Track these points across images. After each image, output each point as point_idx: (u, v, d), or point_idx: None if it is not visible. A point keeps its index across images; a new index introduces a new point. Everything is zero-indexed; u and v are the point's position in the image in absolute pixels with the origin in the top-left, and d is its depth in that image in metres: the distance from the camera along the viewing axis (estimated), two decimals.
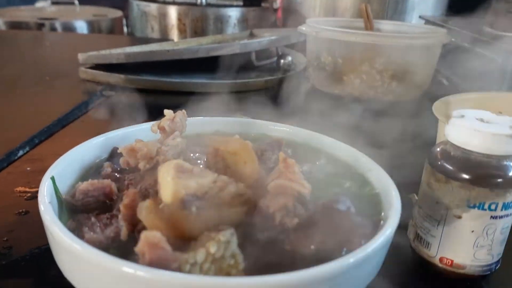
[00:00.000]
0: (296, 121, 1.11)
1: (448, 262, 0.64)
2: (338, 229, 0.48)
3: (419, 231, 0.67)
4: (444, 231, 0.63)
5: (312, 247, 0.47)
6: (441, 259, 0.64)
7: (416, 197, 0.71)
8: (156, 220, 0.47)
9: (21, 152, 0.98)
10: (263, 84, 1.45)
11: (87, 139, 0.68)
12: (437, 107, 0.99)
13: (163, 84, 1.39)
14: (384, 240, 0.47)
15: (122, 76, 1.41)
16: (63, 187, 0.58)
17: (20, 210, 0.73)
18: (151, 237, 0.42)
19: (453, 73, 1.53)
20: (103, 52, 1.48)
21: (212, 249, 0.45)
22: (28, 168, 0.91)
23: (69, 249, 0.44)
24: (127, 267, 0.40)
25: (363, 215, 0.51)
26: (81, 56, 1.49)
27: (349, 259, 0.43)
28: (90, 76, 1.47)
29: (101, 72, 1.44)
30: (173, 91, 1.37)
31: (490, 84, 1.29)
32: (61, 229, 0.45)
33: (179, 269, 0.44)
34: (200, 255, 0.44)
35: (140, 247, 0.43)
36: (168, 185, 0.49)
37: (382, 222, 0.53)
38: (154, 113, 0.68)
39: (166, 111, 0.64)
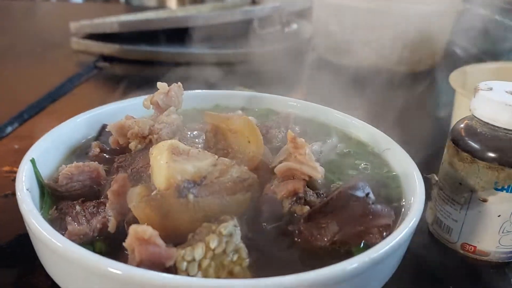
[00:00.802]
0: (301, 94, 1.04)
1: (471, 249, 0.59)
2: (355, 219, 0.42)
3: (439, 214, 0.61)
4: (467, 215, 0.57)
5: (326, 239, 0.42)
6: (462, 245, 0.59)
7: (436, 178, 0.65)
8: (147, 210, 0.41)
9: (9, 129, 0.92)
10: (266, 53, 1.37)
11: (79, 114, 0.62)
12: (453, 78, 0.92)
13: (160, 55, 1.31)
14: (408, 232, 0.41)
15: (116, 46, 1.33)
16: (45, 171, 0.52)
17: (6, 192, 0.67)
18: (141, 232, 0.36)
19: (468, 42, 1.45)
20: (96, 21, 1.40)
21: (212, 243, 0.39)
22: (16, 146, 0.85)
23: (48, 245, 0.38)
24: (112, 268, 0.35)
25: (383, 203, 0.44)
26: (73, 26, 1.41)
27: (370, 256, 0.37)
28: (82, 47, 1.39)
29: (95, 43, 1.37)
30: (171, 62, 1.30)
31: (508, 54, 1.22)
32: (39, 221, 0.40)
33: (174, 268, 0.38)
34: (198, 250, 0.38)
35: (128, 243, 0.37)
36: (162, 169, 0.43)
37: (403, 209, 0.47)
38: (152, 86, 0.62)
39: (159, 84, 0.57)
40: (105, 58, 1.34)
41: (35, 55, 1.40)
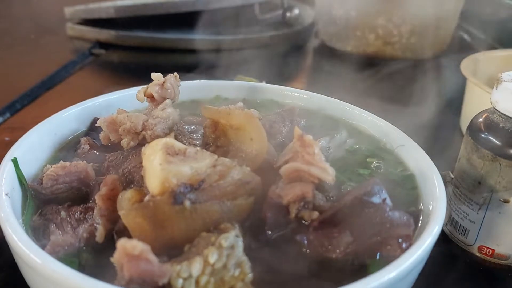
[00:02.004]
0: (303, 83, 0.99)
1: (489, 252, 0.55)
2: (371, 228, 0.37)
3: (454, 214, 0.57)
4: (486, 217, 0.53)
5: (338, 251, 0.37)
6: (480, 248, 0.55)
7: (452, 175, 0.60)
8: (139, 219, 0.36)
9: (0, 119, 0.88)
10: (267, 40, 1.32)
11: (74, 104, 0.58)
12: (464, 65, 0.87)
13: (157, 41, 1.27)
14: (430, 243, 0.37)
15: (112, 32, 1.28)
16: (30, 170, 0.48)
17: None
18: (130, 248, 0.32)
19: (477, 27, 1.40)
20: (91, 5, 1.35)
21: (212, 258, 0.35)
22: (7, 138, 0.81)
23: (26, 261, 0.34)
24: None
25: (401, 209, 0.40)
26: (67, 11, 1.36)
27: (390, 274, 0.33)
28: (78, 33, 1.34)
29: (90, 29, 1.32)
30: (168, 49, 1.26)
31: None
32: (17, 233, 0.35)
33: (169, 285, 0.34)
34: (196, 266, 0.34)
35: (117, 258, 0.33)
36: (155, 172, 0.39)
37: (421, 215, 0.43)
38: (150, 74, 0.57)
39: (154, 75, 0.52)
40: (101, 44, 1.29)
41: (28, 42, 1.35)
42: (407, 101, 0.94)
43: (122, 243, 0.32)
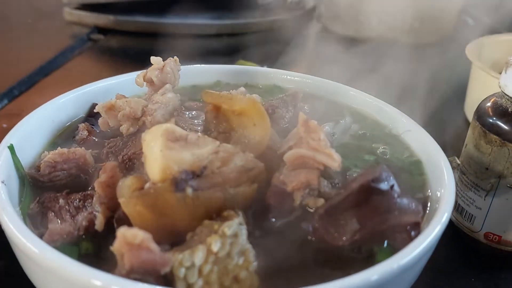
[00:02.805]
0: (305, 68, 0.98)
1: (495, 239, 0.54)
2: (379, 215, 0.36)
3: (460, 201, 0.56)
4: (493, 203, 0.52)
5: (345, 238, 0.36)
6: (486, 235, 0.54)
7: (458, 161, 0.59)
8: (139, 207, 0.35)
9: None
10: (268, 25, 1.30)
11: (72, 90, 0.56)
12: (470, 49, 0.86)
13: (157, 26, 1.24)
14: (439, 231, 0.35)
15: (111, 17, 1.26)
16: (27, 158, 0.47)
17: None
18: (131, 237, 0.31)
19: (481, 11, 1.37)
20: None
21: (215, 246, 0.34)
22: (5, 125, 0.80)
23: (23, 250, 0.33)
24: (95, 279, 0.29)
25: (409, 195, 0.39)
26: None
27: (399, 262, 0.32)
28: (76, 18, 1.32)
29: (88, 13, 1.29)
30: (168, 34, 1.23)
31: None
32: (14, 221, 0.34)
33: (171, 274, 0.33)
34: (198, 254, 0.33)
35: (117, 247, 0.32)
36: (156, 159, 0.37)
37: (429, 202, 0.42)
38: (150, 60, 0.56)
39: (153, 59, 0.51)
40: (100, 29, 1.27)
41: (25, 27, 1.33)
42: (410, 86, 0.92)
43: (122, 232, 0.31)
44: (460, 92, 0.88)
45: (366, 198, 0.37)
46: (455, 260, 0.55)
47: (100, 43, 1.24)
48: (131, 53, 1.18)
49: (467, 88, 0.86)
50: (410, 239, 0.35)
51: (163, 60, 0.52)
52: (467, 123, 0.82)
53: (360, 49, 1.12)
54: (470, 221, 0.55)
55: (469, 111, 0.85)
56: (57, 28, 1.33)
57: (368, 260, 0.36)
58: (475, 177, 0.53)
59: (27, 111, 0.51)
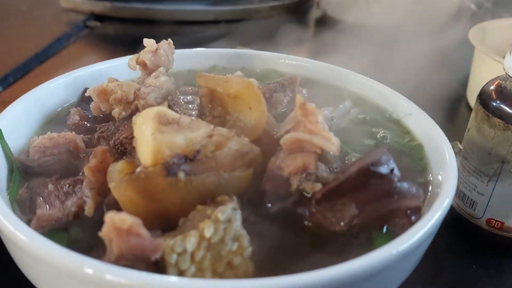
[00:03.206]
0: (304, 54, 0.96)
1: (497, 225, 0.53)
2: (378, 200, 0.35)
3: (462, 187, 0.54)
4: (496, 189, 0.51)
5: (343, 223, 0.35)
6: (488, 221, 0.53)
7: (460, 146, 0.58)
8: (129, 191, 0.34)
9: None
10: (267, 10, 1.28)
11: (57, 77, 0.55)
12: (473, 34, 0.84)
13: (154, 13, 1.22)
14: (441, 216, 0.34)
15: (107, 4, 1.24)
16: (17, 143, 0.45)
17: None
18: (119, 222, 0.29)
19: None
20: None
21: (208, 231, 0.32)
22: None
23: (9, 237, 0.31)
24: (86, 267, 0.28)
25: (410, 180, 0.38)
26: None
27: (398, 248, 0.30)
28: (71, 4, 1.30)
29: (84, 0, 1.27)
30: (166, 21, 1.22)
31: None
32: (1, 208, 0.33)
33: (162, 261, 0.32)
34: (191, 240, 0.32)
35: (105, 233, 0.31)
36: (147, 142, 0.36)
37: (430, 186, 0.41)
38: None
39: (146, 41, 0.49)
40: (96, 16, 1.25)
41: (20, 15, 1.31)
42: (411, 71, 0.91)
43: (110, 216, 0.30)
44: (462, 77, 0.86)
45: (365, 182, 0.35)
46: (457, 247, 0.54)
47: (96, 30, 1.22)
48: (128, 40, 1.16)
49: (469, 73, 0.85)
50: (411, 224, 0.34)
51: (157, 43, 0.50)
52: (469, 109, 0.80)
53: (361, 34, 1.10)
54: (472, 207, 0.54)
55: (472, 96, 0.84)
56: (53, 15, 1.32)
57: (367, 245, 0.35)
58: (477, 162, 0.52)
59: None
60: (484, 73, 0.80)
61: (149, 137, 0.36)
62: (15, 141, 0.45)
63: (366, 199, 0.35)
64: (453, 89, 0.87)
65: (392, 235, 0.34)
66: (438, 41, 1.11)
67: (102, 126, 0.46)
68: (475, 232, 0.54)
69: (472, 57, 0.85)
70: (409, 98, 0.54)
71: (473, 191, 0.53)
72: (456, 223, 0.56)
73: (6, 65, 0.94)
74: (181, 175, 0.35)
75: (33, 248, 0.30)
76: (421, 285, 0.47)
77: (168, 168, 0.35)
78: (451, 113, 0.79)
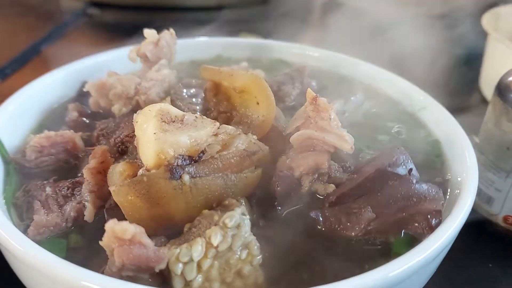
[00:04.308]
0: (312, 40, 0.93)
1: None
2: (395, 203, 0.33)
3: (478, 183, 0.52)
4: None
5: (358, 228, 0.33)
6: (505, 218, 0.50)
7: (477, 140, 0.55)
8: (131, 196, 0.32)
9: None
10: None
11: (53, 70, 0.52)
12: (486, 20, 0.81)
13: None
14: (462, 219, 0.32)
15: None
16: (13, 142, 0.43)
17: None
18: (120, 232, 0.27)
19: None
20: None
21: (215, 239, 0.30)
22: None
23: (5, 246, 0.29)
24: (83, 280, 0.26)
25: (427, 180, 0.35)
26: None
27: (419, 255, 0.28)
28: None
29: None
30: (167, 7, 1.19)
31: None
32: None
33: (167, 271, 0.30)
34: (197, 248, 0.30)
35: (106, 242, 0.29)
36: (149, 142, 0.34)
37: (449, 186, 0.38)
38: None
39: (147, 32, 0.47)
40: (95, 3, 1.21)
41: (18, 3, 1.28)
42: (421, 59, 0.87)
43: (111, 226, 0.28)
44: (474, 65, 0.83)
45: (382, 184, 0.33)
46: (472, 244, 0.52)
47: (96, 18, 1.19)
48: (129, 28, 1.13)
49: (482, 61, 0.82)
50: (431, 228, 0.32)
51: (158, 34, 0.48)
52: (483, 98, 0.77)
53: (370, 20, 1.07)
54: (488, 204, 0.52)
55: (485, 85, 0.81)
56: (51, 3, 1.29)
57: (384, 251, 0.32)
58: (495, 157, 0.49)
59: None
60: (498, 62, 0.77)
61: (151, 137, 0.34)
62: (11, 140, 0.43)
63: (383, 202, 0.33)
64: (466, 77, 0.84)
65: (410, 240, 0.32)
66: (450, 26, 1.07)
67: (102, 123, 0.44)
68: (492, 229, 0.52)
69: (485, 44, 0.81)
70: (418, 86, 0.51)
71: (490, 187, 0.51)
72: (471, 220, 0.53)
73: (3, 57, 0.91)
74: (186, 178, 0.33)
75: (29, 259, 0.28)
76: (436, 284, 0.45)
77: (172, 171, 0.32)
78: (464, 103, 0.76)
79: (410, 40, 0.92)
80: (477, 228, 0.53)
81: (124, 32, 1.15)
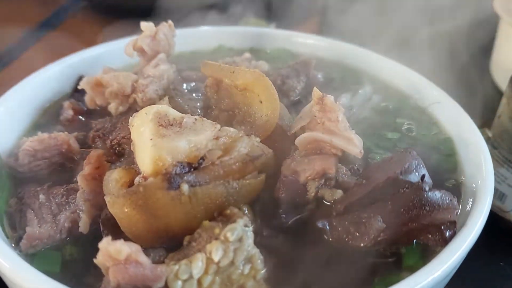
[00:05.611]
0: (317, 24, 0.90)
1: None
2: (407, 212, 0.31)
3: None
4: None
5: (367, 239, 0.31)
6: None
7: (489, 134, 0.53)
8: (127, 208, 0.30)
9: None
10: None
11: (66, 55, 0.51)
12: (498, 3, 0.77)
13: None
14: (479, 228, 0.30)
15: None
16: (6, 143, 0.41)
17: None
18: (114, 253, 0.26)
19: None
20: None
21: (216, 254, 0.29)
22: None
23: None
24: None
25: (439, 182, 0.33)
26: None
27: (433, 272, 0.27)
28: None
29: None
30: None
31: None
32: None
33: None
34: (197, 264, 0.28)
35: (100, 261, 0.27)
36: (145, 148, 0.32)
37: (463, 190, 0.36)
38: (151, 18, 0.50)
39: (143, 25, 0.44)
40: None
41: None
42: (428, 45, 0.84)
43: (105, 246, 0.26)
44: (485, 51, 0.80)
45: (393, 192, 0.31)
46: (483, 242, 0.50)
47: (94, 2, 1.15)
48: (131, 10, 1.10)
49: (493, 46, 0.78)
50: (445, 241, 0.30)
51: (156, 26, 0.45)
52: (494, 87, 0.74)
53: (376, 4, 1.03)
54: (500, 200, 0.50)
55: (497, 73, 0.78)
56: None
57: (395, 264, 0.31)
58: (508, 152, 0.48)
59: (18, 80, 0.46)
60: (510, 47, 0.74)
61: (147, 143, 0.32)
62: (4, 142, 0.41)
63: (394, 211, 0.31)
64: (476, 64, 0.81)
65: (422, 251, 0.31)
66: (459, 9, 1.03)
67: (98, 123, 0.42)
68: (504, 226, 0.51)
69: (497, 28, 0.78)
70: (426, 74, 0.49)
71: (502, 183, 0.49)
72: None
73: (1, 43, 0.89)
74: (185, 187, 0.31)
75: (18, 279, 0.27)
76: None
77: (170, 180, 0.31)
78: (474, 92, 0.73)
79: (417, 25, 0.88)
80: (488, 225, 0.51)
81: (125, 14, 1.12)
